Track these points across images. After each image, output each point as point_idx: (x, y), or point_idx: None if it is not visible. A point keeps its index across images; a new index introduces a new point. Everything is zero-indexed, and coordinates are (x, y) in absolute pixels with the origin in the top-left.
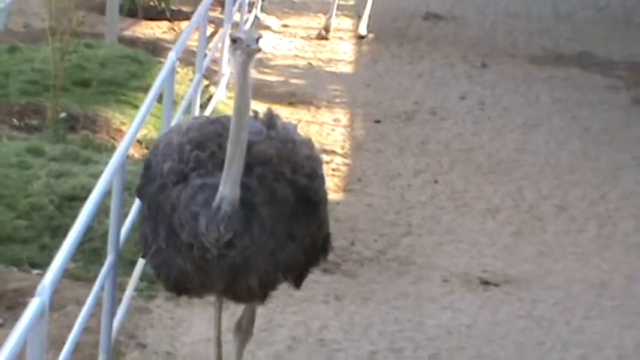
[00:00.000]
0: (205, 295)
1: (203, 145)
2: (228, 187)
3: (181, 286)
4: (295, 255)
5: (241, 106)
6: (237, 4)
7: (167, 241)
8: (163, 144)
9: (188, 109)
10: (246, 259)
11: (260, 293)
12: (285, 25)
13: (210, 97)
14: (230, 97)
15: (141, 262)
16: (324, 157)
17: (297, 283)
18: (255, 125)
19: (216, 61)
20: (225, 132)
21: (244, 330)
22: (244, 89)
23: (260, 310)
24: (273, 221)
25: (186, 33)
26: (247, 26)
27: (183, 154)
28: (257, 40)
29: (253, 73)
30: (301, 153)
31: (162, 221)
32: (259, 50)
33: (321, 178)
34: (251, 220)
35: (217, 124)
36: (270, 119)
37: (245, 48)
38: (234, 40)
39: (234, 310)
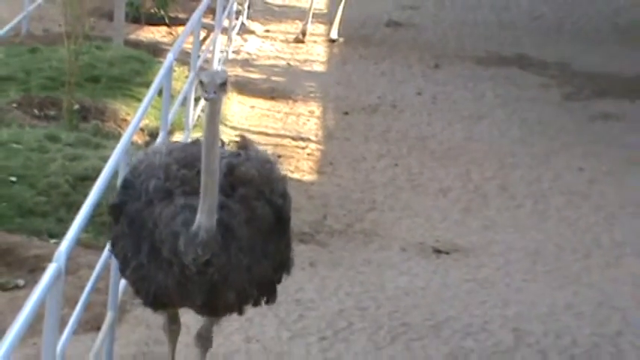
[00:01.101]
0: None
1: (189, 164)
2: (204, 216)
3: (160, 301)
4: (268, 271)
5: (209, 140)
6: (226, 12)
7: (149, 256)
8: (144, 165)
9: (183, 102)
10: (224, 276)
11: (237, 306)
12: (267, 30)
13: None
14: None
15: None
16: (301, 144)
17: (271, 298)
18: (229, 151)
19: (208, 61)
20: None
21: (205, 338)
22: (212, 126)
23: None
24: (251, 239)
25: (183, 37)
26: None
27: (169, 172)
28: (221, 84)
29: (240, 72)
30: (275, 173)
31: (145, 237)
32: (219, 97)
33: (289, 198)
34: (229, 240)
35: (198, 146)
36: (244, 142)
37: (206, 94)
38: (200, 83)
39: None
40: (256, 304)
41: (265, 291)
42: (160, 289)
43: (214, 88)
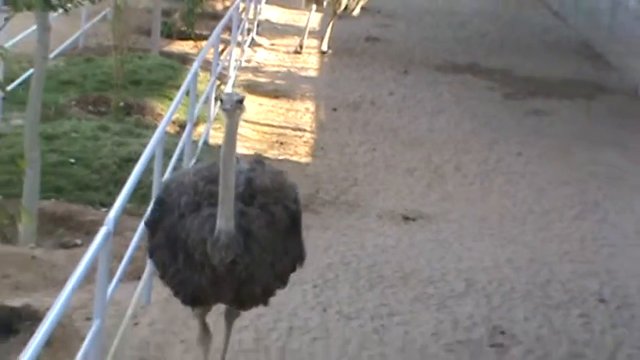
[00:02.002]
0: (215, 304)
1: (214, 180)
2: (222, 221)
3: (197, 300)
4: (288, 265)
5: (227, 153)
6: (239, 29)
7: (184, 263)
8: (175, 184)
9: (205, 100)
10: (250, 273)
11: (263, 299)
12: (272, 44)
13: (221, 92)
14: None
15: None
16: (298, 134)
17: (285, 284)
18: (247, 165)
19: (225, 69)
20: None
21: (233, 312)
22: (229, 141)
23: None
24: (272, 239)
25: (205, 49)
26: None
27: (197, 188)
28: (238, 101)
29: (251, 77)
30: (287, 183)
31: (180, 246)
32: (238, 112)
33: (300, 203)
34: (250, 242)
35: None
36: (260, 160)
37: (224, 107)
38: (220, 100)
39: None
40: None
41: (284, 281)
42: (197, 290)
43: (231, 103)
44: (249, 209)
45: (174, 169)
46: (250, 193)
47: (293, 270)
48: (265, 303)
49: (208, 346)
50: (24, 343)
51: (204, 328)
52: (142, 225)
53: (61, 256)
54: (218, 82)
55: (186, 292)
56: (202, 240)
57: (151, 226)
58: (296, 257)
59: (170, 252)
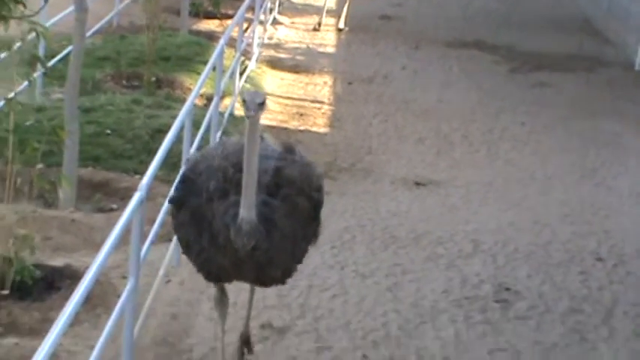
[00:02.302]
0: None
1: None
2: (245, 211)
3: (219, 278)
4: (306, 249)
5: (250, 152)
6: (262, 9)
7: (209, 243)
8: (205, 166)
9: (231, 75)
10: (270, 257)
11: (281, 280)
12: (292, 22)
13: (245, 67)
14: (259, 68)
15: None
16: (317, 106)
17: (300, 261)
18: (278, 151)
19: (249, 45)
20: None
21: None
22: (252, 140)
23: None
24: (292, 228)
25: (231, 27)
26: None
27: (227, 175)
28: (260, 103)
29: (273, 53)
30: (314, 172)
31: (205, 227)
32: (258, 114)
33: (323, 191)
34: (271, 230)
35: None
36: (290, 148)
37: (247, 112)
38: (243, 101)
39: None
40: None
41: (301, 261)
42: (219, 269)
43: (254, 107)
44: (273, 199)
45: (203, 139)
46: (277, 182)
47: (308, 247)
48: (284, 283)
49: (225, 310)
50: (65, 299)
51: (222, 292)
52: (171, 191)
53: (98, 220)
54: (242, 58)
55: (210, 270)
56: (226, 226)
57: (176, 203)
58: (312, 236)
59: (195, 231)
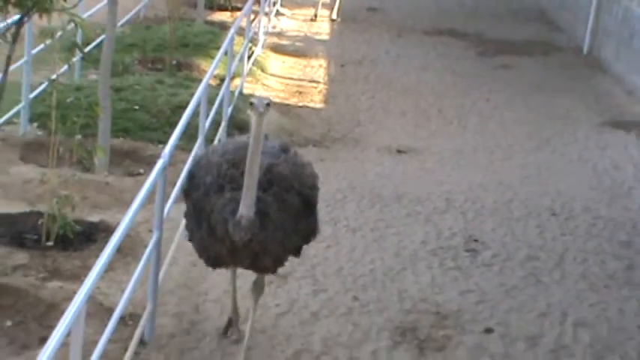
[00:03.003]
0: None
1: (237, 164)
2: (245, 209)
3: (217, 263)
4: (298, 241)
5: (254, 152)
6: (267, 2)
7: (208, 232)
8: (205, 161)
9: (240, 59)
10: (264, 248)
11: (273, 268)
12: (293, 14)
13: (252, 52)
14: (264, 53)
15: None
16: (314, 85)
17: (298, 255)
18: (274, 147)
19: (256, 33)
20: None
21: (259, 287)
22: (257, 142)
23: None
24: (284, 221)
25: (240, 18)
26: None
27: (220, 171)
28: (267, 104)
29: (276, 40)
30: (306, 172)
31: (204, 218)
32: (265, 114)
33: (317, 188)
34: (265, 223)
35: (245, 150)
36: (286, 147)
37: (256, 113)
38: (250, 103)
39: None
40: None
41: (295, 254)
42: (217, 256)
43: (263, 107)
44: (266, 195)
45: (216, 113)
46: (269, 179)
47: (307, 242)
48: (275, 272)
49: (235, 277)
50: (100, 249)
51: (233, 274)
52: (190, 158)
53: (128, 182)
54: (250, 44)
55: (208, 256)
56: (224, 219)
57: (184, 194)
58: (309, 233)
59: (196, 221)
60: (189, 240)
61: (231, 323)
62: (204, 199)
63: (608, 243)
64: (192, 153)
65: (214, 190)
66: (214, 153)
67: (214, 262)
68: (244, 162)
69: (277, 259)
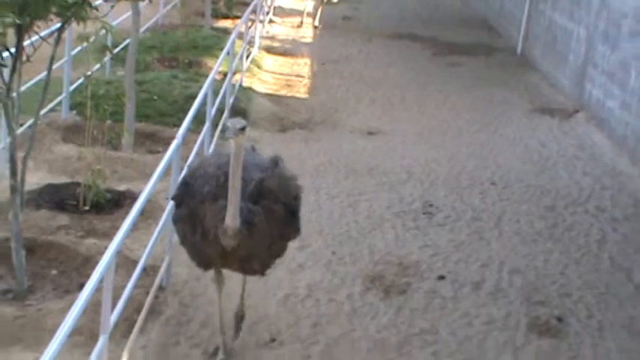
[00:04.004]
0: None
1: None
2: (229, 219)
3: (208, 266)
4: (283, 246)
5: (234, 172)
6: (261, 12)
7: (200, 237)
8: (202, 172)
9: (240, 58)
10: (251, 253)
11: (261, 271)
12: (282, 21)
13: (250, 53)
14: (259, 53)
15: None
16: (300, 79)
17: (283, 254)
18: (264, 161)
19: (252, 37)
20: (246, 169)
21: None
22: (236, 162)
23: (269, 145)
24: (271, 229)
25: (239, 24)
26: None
27: (219, 182)
28: (241, 128)
29: (269, 43)
30: (292, 184)
31: (198, 224)
32: (240, 138)
33: (300, 198)
34: (253, 232)
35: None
36: (276, 161)
37: (229, 137)
38: (226, 126)
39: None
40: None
41: (281, 255)
42: (208, 259)
43: (234, 132)
44: (255, 207)
45: (221, 102)
46: (259, 192)
47: (290, 241)
48: (263, 274)
49: (222, 285)
50: (127, 213)
51: (219, 273)
52: (199, 139)
53: (149, 158)
54: (247, 46)
55: (200, 259)
56: (215, 225)
57: (177, 201)
58: (292, 235)
59: (191, 226)
60: (181, 243)
61: (216, 351)
62: (200, 206)
63: (536, 206)
64: (201, 136)
65: (210, 199)
66: (210, 165)
67: (205, 264)
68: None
69: (264, 263)
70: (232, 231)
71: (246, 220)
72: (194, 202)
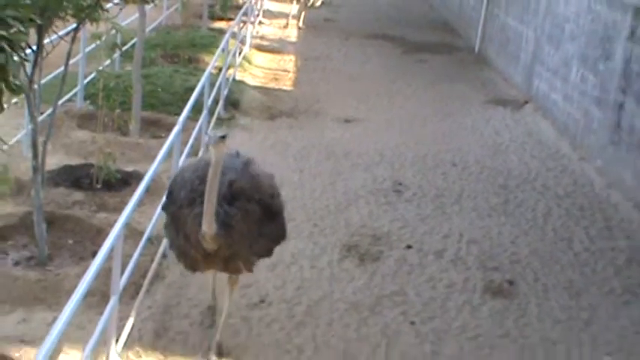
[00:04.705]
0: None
1: (205, 181)
2: (205, 224)
3: (194, 267)
4: (266, 244)
5: (212, 183)
6: (252, 14)
7: (184, 240)
8: (180, 178)
9: (233, 55)
10: (232, 253)
11: (245, 269)
12: (271, 22)
13: (242, 50)
14: (250, 50)
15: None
16: (286, 73)
17: (270, 255)
18: (237, 163)
19: (244, 36)
20: (222, 173)
21: (233, 282)
22: (214, 172)
23: (259, 131)
24: (249, 228)
25: (233, 25)
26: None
27: (193, 186)
28: (221, 136)
29: (259, 42)
30: (266, 182)
31: (180, 228)
32: (220, 146)
33: (278, 196)
34: (231, 232)
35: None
36: (248, 161)
37: (210, 145)
38: (207, 135)
39: None
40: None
41: (265, 255)
42: (193, 261)
43: (215, 139)
44: (230, 208)
45: (216, 93)
46: (232, 193)
47: (277, 244)
48: (250, 271)
49: (214, 286)
50: (134, 190)
51: (212, 285)
52: (198, 125)
53: (153, 143)
54: (240, 44)
55: (186, 261)
56: (194, 231)
57: (164, 209)
58: (277, 237)
59: (175, 231)
60: (170, 248)
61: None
62: (180, 211)
63: (491, 185)
64: (198, 123)
65: (187, 204)
66: (187, 170)
67: (191, 265)
68: None
69: (247, 261)
70: (210, 237)
71: (224, 223)
72: (174, 208)
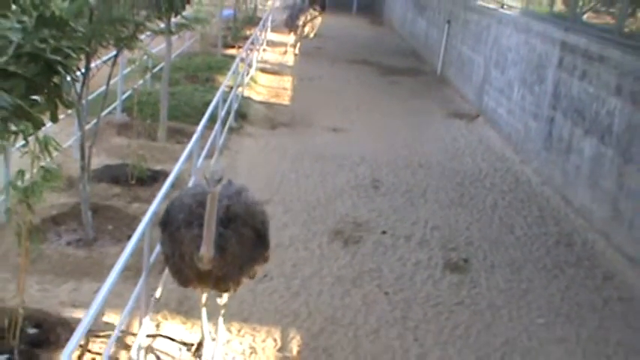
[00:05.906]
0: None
1: (204, 205)
2: (204, 248)
3: (187, 284)
4: (254, 267)
5: (210, 214)
6: (257, 43)
7: (179, 259)
8: (178, 202)
9: (242, 75)
10: (224, 274)
11: (234, 289)
12: (273, 50)
13: (249, 72)
14: (256, 73)
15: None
16: (285, 91)
17: (254, 277)
18: (232, 190)
19: (251, 61)
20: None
21: (223, 305)
22: (211, 208)
23: (262, 137)
24: (241, 251)
25: (242, 51)
26: (217, 164)
27: (191, 209)
28: (218, 180)
29: (263, 65)
30: (258, 209)
31: (177, 248)
32: (217, 188)
33: (268, 223)
34: (225, 255)
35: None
36: (241, 190)
37: (209, 188)
38: (205, 177)
39: None
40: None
41: (251, 277)
42: (186, 278)
43: (213, 184)
44: (226, 231)
45: (229, 106)
46: (227, 217)
47: (260, 267)
48: (235, 291)
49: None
50: (161, 186)
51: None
52: (216, 128)
53: (177, 147)
54: (248, 67)
55: (180, 278)
56: (190, 251)
57: (161, 227)
58: (262, 260)
59: (171, 249)
60: (165, 263)
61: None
62: (177, 232)
63: (450, 182)
64: (214, 131)
65: (184, 226)
66: (186, 196)
67: (184, 282)
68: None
69: (236, 282)
70: (207, 259)
71: (219, 245)
72: (172, 229)
